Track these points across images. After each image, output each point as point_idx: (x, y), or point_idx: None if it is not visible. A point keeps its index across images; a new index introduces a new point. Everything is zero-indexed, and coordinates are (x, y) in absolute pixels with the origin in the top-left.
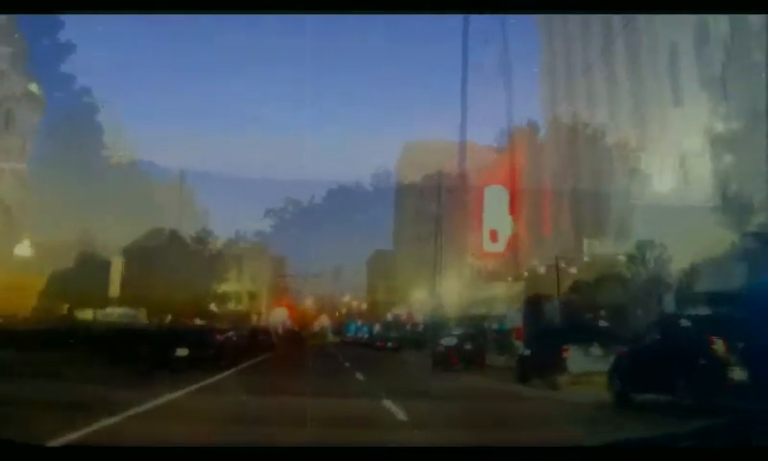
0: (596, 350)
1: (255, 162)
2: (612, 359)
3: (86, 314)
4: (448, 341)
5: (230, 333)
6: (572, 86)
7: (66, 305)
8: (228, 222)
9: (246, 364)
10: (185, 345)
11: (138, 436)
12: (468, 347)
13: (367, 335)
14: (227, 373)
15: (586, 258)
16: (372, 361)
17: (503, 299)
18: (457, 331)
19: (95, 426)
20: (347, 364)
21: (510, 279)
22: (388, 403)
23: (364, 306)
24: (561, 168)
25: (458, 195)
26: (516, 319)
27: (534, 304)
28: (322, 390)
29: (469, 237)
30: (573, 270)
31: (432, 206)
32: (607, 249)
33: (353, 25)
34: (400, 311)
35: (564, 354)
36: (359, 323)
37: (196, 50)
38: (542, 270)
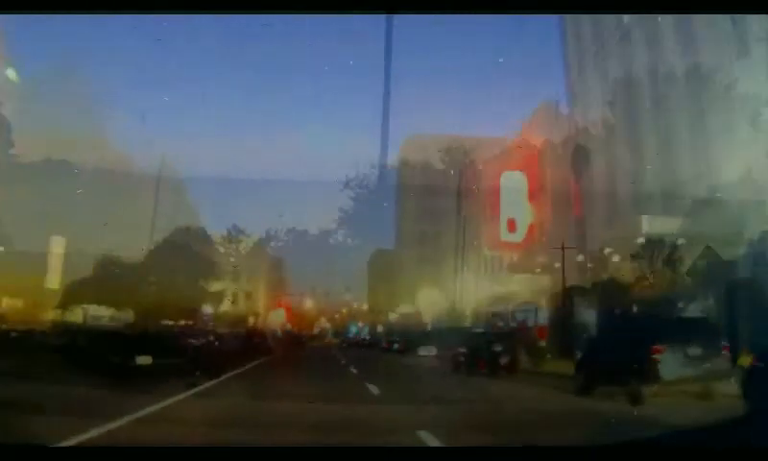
0: (694, 349)
1: (249, 163)
2: (714, 361)
3: (76, 317)
4: (472, 342)
5: (210, 337)
6: (602, 57)
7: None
8: (222, 221)
9: (233, 373)
10: (149, 351)
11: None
12: (498, 348)
13: (369, 337)
14: (201, 387)
15: (641, 240)
16: (379, 366)
17: (524, 294)
18: (478, 330)
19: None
20: (352, 369)
21: (538, 270)
22: (425, 436)
23: (365, 307)
24: (595, 145)
25: (469, 186)
26: (541, 315)
27: (587, 297)
28: (327, 407)
29: (484, 228)
30: (616, 258)
31: (437, 200)
32: (675, 227)
33: (350, 25)
34: (405, 311)
35: (656, 356)
36: (360, 324)
37: (189, 50)
38: (580, 258)
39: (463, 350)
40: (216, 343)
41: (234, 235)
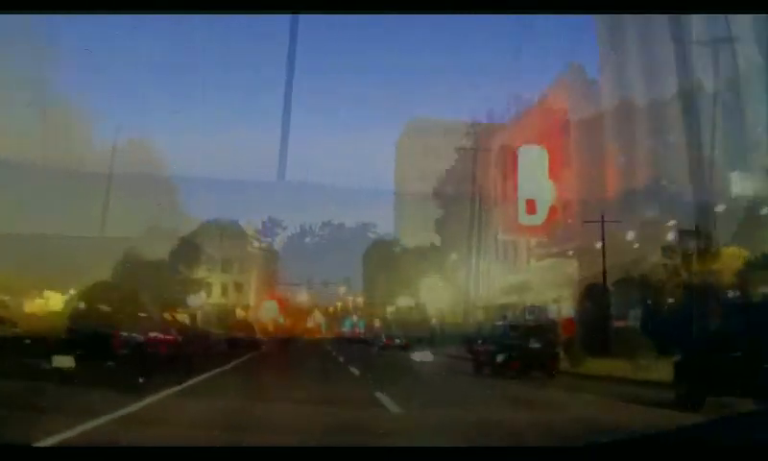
0: None
1: (236, 159)
2: None
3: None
4: (499, 337)
5: (171, 332)
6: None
7: None
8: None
9: (202, 376)
10: (74, 349)
11: None
12: (536, 345)
13: (364, 332)
14: (137, 404)
15: (721, 207)
16: (384, 367)
17: (547, 283)
18: (501, 323)
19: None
20: (353, 370)
21: (570, 252)
22: None
23: (360, 301)
24: (632, 111)
25: (481, 166)
26: (564, 308)
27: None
28: (329, 436)
29: (499, 211)
30: (670, 235)
31: (444, 184)
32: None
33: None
34: (406, 304)
35: None
36: (355, 318)
37: (179, 51)
38: (630, 235)
39: (486, 347)
40: (178, 339)
41: (222, 226)
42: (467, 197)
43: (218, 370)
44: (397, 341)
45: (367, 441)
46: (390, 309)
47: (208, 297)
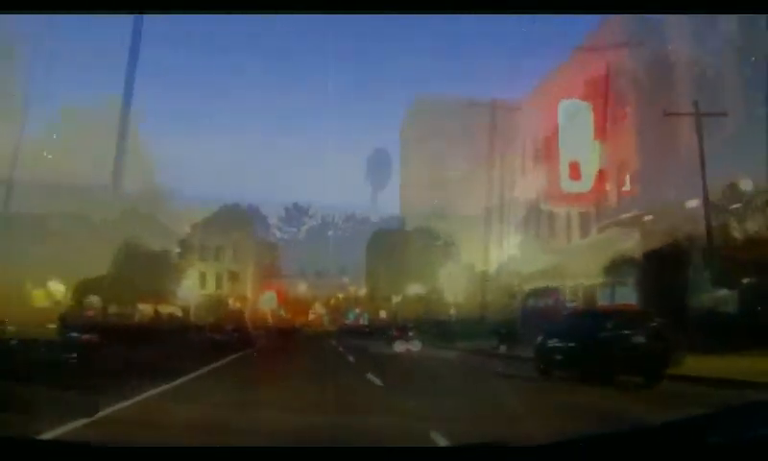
0: None
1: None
2: None
3: None
4: (590, 330)
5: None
6: None
7: None
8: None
9: (127, 403)
10: None
11: None
12: (640, 339)
13: (368, 324)
14: None
15: None
16: (414, 370)
17: (593, 263)
18: (580, 311)
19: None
20: (373, 378)
21: (627, 223)
22: None
23: (363, 292)
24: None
25: (506, 132)
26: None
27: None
28: None
29: (532, 179)
30: None
31: (457, 158)
32: None
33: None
34: (417, 292)
35: None
36: (357, 310)
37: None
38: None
39: (563, 343)
40: (94, 340)
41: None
42: (485, 172)
43: (165, 386)
44: (410, 333)
45: None
46: (395, 300)
47: (203, 287)
